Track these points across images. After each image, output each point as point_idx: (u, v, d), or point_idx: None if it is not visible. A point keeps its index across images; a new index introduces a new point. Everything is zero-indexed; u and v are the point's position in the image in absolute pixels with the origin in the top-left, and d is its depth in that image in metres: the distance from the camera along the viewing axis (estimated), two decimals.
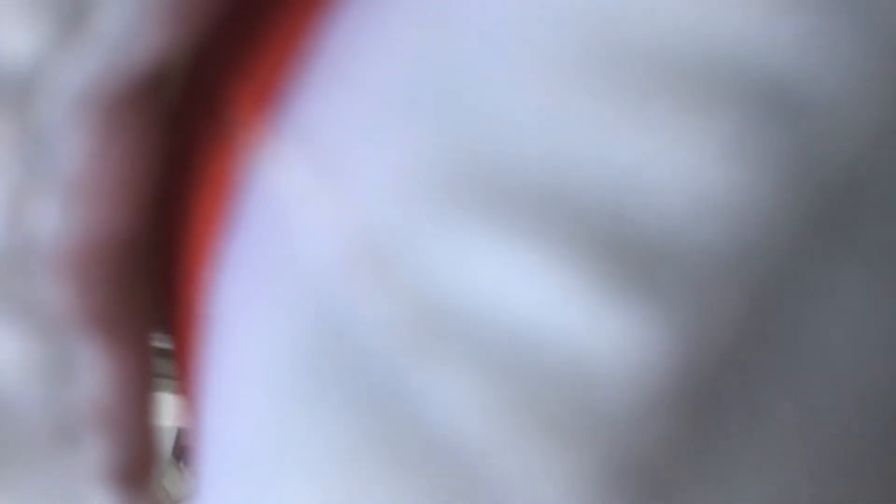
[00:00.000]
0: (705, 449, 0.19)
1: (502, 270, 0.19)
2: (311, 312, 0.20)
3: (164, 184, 0.25)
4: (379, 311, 0.20)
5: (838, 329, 0.19)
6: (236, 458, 0.21)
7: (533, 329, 0.19)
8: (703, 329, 0.19)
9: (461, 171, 0.20)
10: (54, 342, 0.23)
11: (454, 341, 0.19)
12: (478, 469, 0.19)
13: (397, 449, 0.20)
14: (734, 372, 0.19)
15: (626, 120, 0.19)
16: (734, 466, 0.19)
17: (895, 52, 0.19)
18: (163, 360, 0.27)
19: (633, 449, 0.19)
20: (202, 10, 0.22)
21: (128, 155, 0.23)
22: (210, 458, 0.22)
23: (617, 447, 0.19)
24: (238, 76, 0.23)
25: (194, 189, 0.24)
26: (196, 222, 0.24)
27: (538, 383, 0.19)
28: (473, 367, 0.19)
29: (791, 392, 0.19)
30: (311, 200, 0.21)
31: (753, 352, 0.19)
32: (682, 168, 0.19)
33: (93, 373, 0.24)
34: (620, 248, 0.19)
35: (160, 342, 0.26)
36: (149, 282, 0.25)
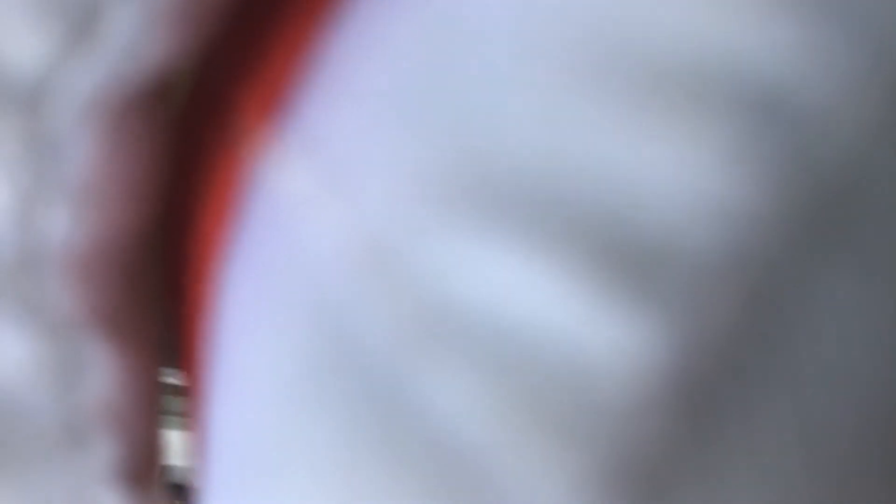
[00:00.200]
0: (704, 448, 0.19)
1: (503, 273, 0.19)
2: (315, 314, 0.21)
3: (171, 188, 0.25)
4: (381, 312, 0.20)
5: (834, 330, 0.19)
6: (239, 457, 0.21)
7: (533, 330, 0.19)
8: (701, 330, 0.19)
9: (462, 175, 0.20)
10: (64, 344, 0.24)
11: (456, 343, 0.19)
12: (478, 469, 0.19)
13: (399, 449, 0.20)
14: (731, 372, 0.19)
15: (624, 125, 0.19)
16: (732, 465, 0.19)
17: (888, 57, 0.19)
18: (174, 398, 0.27)
19: (632, 448, 0.19)
20: (209, 17, 0.22)
21: (136, 160, 0.23)
22: (213, 458, 0.22)
23: (616, 447, 0.19)
24: (244, 83, 0.23)
25: (201, 193, 0.24)
26: (203, 226, 0.24)
27: (538, 384, 0.19)
28: (474, 369, 0.19)
29: (788, 392, 0.19)
30: (316, 204, 0.21)
31: (750, 352, 0.19)
32: (678, 172, 0.19)
33: (101, 374, 0.24)
34: (619, 251, 0.19)
35: (172, 378, 0.26)
36: (156, 284, 0.25)
